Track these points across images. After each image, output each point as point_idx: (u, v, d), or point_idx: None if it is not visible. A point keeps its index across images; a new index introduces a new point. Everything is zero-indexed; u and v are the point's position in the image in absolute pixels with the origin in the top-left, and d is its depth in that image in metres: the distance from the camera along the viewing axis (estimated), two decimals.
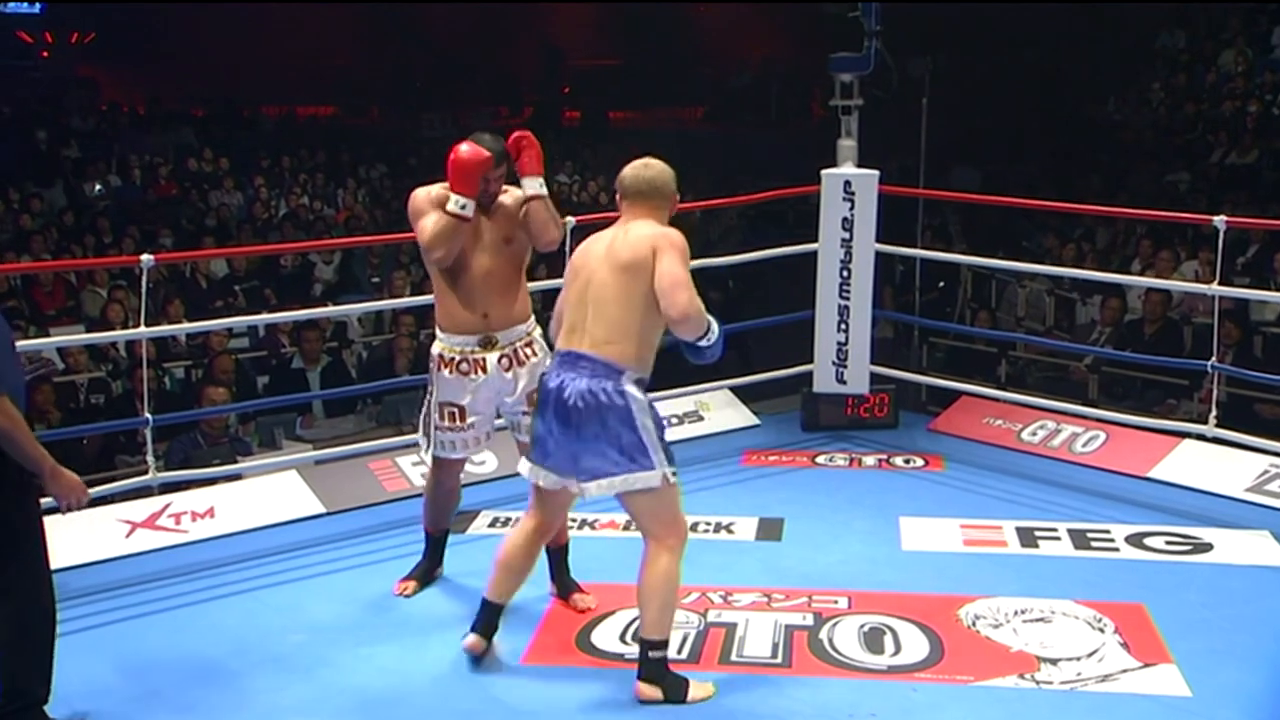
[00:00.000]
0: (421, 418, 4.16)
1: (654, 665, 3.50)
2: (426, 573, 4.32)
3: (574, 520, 4.88)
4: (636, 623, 3.60)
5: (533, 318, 4.11)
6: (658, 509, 3.50)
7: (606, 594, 4.17)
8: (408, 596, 4.23)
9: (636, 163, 3.64)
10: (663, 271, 3.43)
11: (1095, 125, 14.17)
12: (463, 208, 3.85)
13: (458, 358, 4.00)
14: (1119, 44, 15.24)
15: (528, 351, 4.05)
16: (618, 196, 3.62)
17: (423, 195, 4.00)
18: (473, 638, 3.69)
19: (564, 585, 4.18)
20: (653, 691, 3.49)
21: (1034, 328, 9.27)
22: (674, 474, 3.49)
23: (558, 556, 4.18)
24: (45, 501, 3.32)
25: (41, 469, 3.22)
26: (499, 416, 4.15)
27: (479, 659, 3.70)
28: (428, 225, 3.92)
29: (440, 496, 4.24)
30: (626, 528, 4.82)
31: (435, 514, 4.29)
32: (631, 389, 3.46)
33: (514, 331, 4.04)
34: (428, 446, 4.12)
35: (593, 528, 4.86)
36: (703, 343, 3.51)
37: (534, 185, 3.99)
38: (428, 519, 4.32)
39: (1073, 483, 5.42)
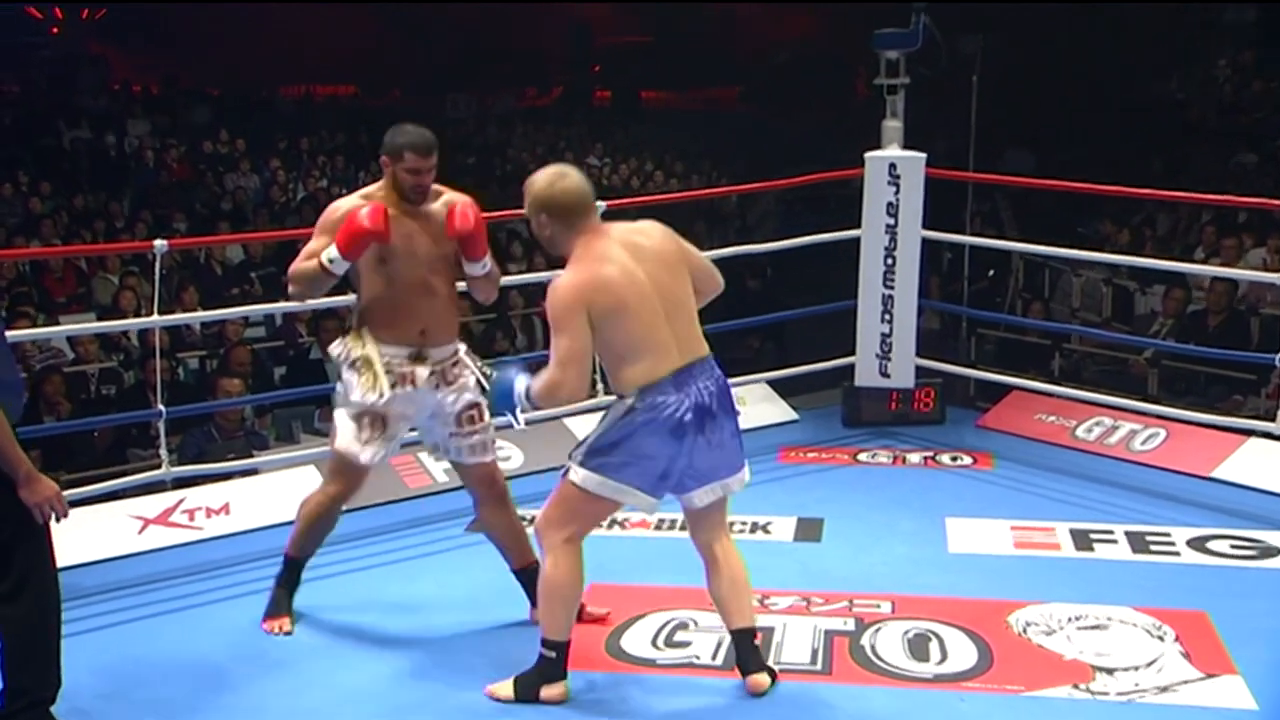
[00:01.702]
0: (339, 423, 3.94)
1: (760, 653, 3.63)
2: (291, 603, 4.11)
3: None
4: (730, 618, 3.60)
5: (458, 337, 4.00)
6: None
7: (637, 596, 4.17)
8: (289, 634, 4.02)
9: (555, 173, 3.43)
10: (693, 252, 3.54)
11: (1157, 104, 14.04)
12: (332, 263, 3.72)
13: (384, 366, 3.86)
14: (1183, 18, 15.08)
15: (455, 372, 3.93)
16: (546, 220, 3.38)
17: (327, 212, 3.86)
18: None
19: None
20: (766, 681, 3.58)
21: (1090, 319, 9.21)
22: None
23: (532, 576, 4.02)
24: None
25: (16, 473, 3.14)
26: (413, 430, 4.04)
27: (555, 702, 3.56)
28: (304, 252, 3.81)
29: (326, 518, 4.04)
30: (658, 527, 4.83)
31: (309, 539, 4.06)
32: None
33: (444, 350, 3.92)
34: (360, 453, 3.91)
35: (623, 527, 4.86)
36: None
37: (478, 269, 3.86)
38: (297, 543, 4.07)
39: (1131, 483, 5.38)
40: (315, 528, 4.06)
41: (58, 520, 3.25)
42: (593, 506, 3.47)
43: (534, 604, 3.98)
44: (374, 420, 3.87)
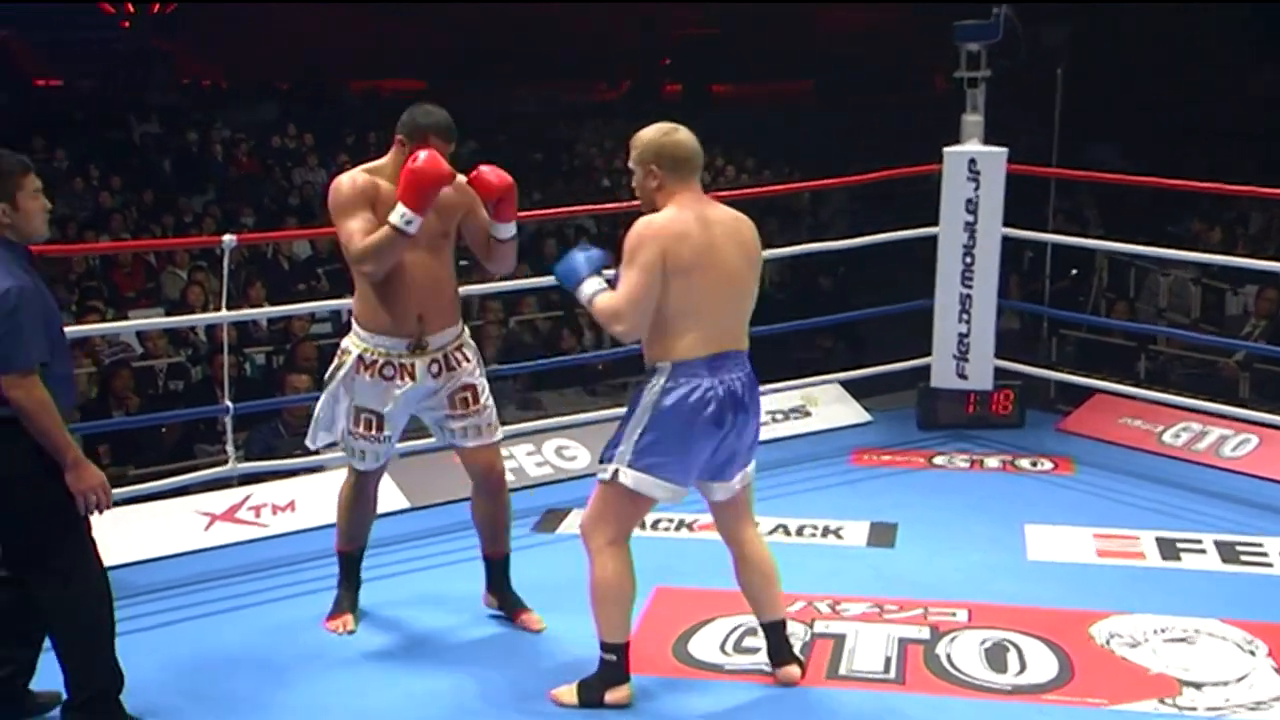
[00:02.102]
0: (319, 410, 3.94)
1: (790, 644, 3.66)
2: (355, 600, 4.13)
3: (671, 520, 4.90)
4: (762, 608, 3.64)
5: (461, 319, 3.95)
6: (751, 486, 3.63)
7: (706, 600, 4.16)
8: (351, 633, 4.04)
9: (666, 126, 3.41)
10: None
11: (1250, 97, 13.75)
12: (409, 223, 3.56)
13: (381, 361, 3.79)
14: (1277, 5, 14.74)
15: (458, 356, 3.87)
16: (654, 170, 3.37)
17: (347, 185, 3.72)
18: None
19: (509, 601, 4.10)
20: (797, 672, 3.64)
21: (1177, 320, 9.05)
22: None
23: (501, 567, 4.10)
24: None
25: (64, 458, 3.21)
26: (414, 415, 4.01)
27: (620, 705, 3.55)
28: (356, 231, 3.65)
29: (360, 508, 4.05)
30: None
31: (352, 528, 4.08)
32: None
33: (446, 334, 3.85)
34: (346, 455, 3.96)
35: (691, 529, 4.85)
36: None
37: (506, 231, 3.80)
38: (343, 536, 4.10)
39: (1221, 491, 5.28)
40: (350, 516, 4.07)
41: (99, 512, 3.30)
42: (637, 506, 3.48)
43: (490, 589, 4.11)
44: (370, 420, 3.85)
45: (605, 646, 3.52)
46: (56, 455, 3.22)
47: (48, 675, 3.51)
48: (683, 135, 3.41)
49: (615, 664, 3.51)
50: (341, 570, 4.15)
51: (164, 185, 13.10)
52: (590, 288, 3.40)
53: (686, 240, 3.32)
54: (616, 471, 3.40)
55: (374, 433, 3.86)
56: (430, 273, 3.78)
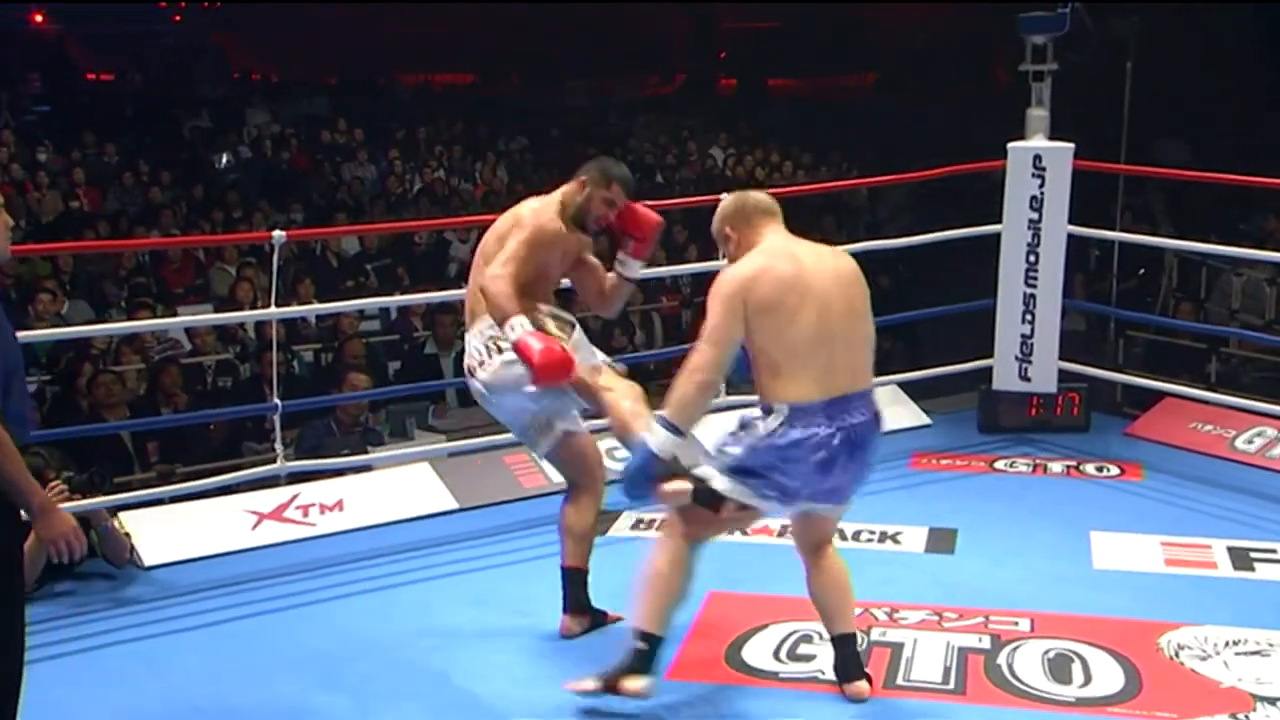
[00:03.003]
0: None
1: (860, 660, 3.63)
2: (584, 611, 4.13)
3: (634, 520, 4.90)
4: (833, 623, 3.60)
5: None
6: None
7: (761, 606, 4.15)
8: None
9: (741, 194, 3.66)
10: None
11: None
12: (635, 271, 4.12)
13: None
14: None
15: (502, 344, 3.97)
16: (729, 231, 3.55)
17: (553, 228, 3.97)
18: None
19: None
20: (866, 688, 3.58)
21: (1251, 321, 8.91)
22: None
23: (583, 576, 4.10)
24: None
25: (29, 504, 2.92)
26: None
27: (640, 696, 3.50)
28: (508, 259, 3.87)
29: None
30: (780, 534, 4.80)
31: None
32: None
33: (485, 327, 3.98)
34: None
35: (745, 534, 4.84)
36: None
37: (636, 268, 4.13)
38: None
39: None
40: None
41: (71, 559, 3.03)
42: (732, 516, 3.50)
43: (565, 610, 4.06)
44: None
45: (638, 634, 3.50)
46: (20, 501, 2.91)
47: None
48: (749, 194, 3.63)
49: (643, 654, 3.48)
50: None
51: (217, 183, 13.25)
52: (654, 437, 3.43)
53: (766, 278, 3.37)
54: (706, 476, 3.41)
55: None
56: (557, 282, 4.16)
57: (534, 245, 3.93)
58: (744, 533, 4.81)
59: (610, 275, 4.17)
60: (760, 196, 3.60)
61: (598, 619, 4.07)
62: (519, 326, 3.74)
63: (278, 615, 4.31)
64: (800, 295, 3.36)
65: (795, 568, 4.40)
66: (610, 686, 3.50)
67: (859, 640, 3.67)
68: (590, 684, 3.54)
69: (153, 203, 12.11)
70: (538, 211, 4.00)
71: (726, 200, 3.63)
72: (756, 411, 3.45)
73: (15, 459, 2.90)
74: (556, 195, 4.05)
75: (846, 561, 3.65)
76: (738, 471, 3.40)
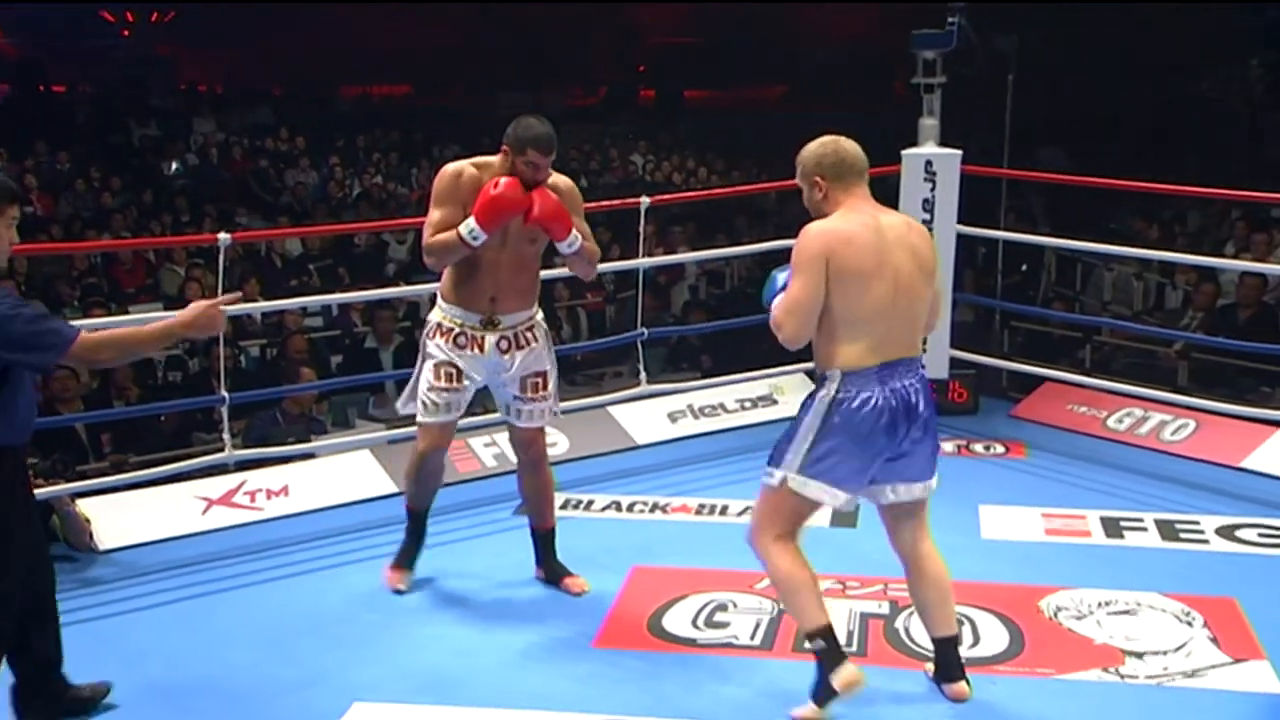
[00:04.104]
0: (409, 386, 4.07)
1: (960, 663, 3.43)
2: (414, 557, 4.21)
3: (645, 503, 4.90)
4: (933, 623, 3.44)
5: (537, 304, 4.05)
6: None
7: (678, 578, 4.17)
8: (402, 591, 4.12)
9: (829, 139, 3.28)
10: (939, 286, 3.31)
11: (1189, 102, 13.83)
12: (474, 237, 3.77)
13: (455, 329, 3.95)
14: (1214, 17, 14.84)
15: (528, 335, 3.98)
16: (819, 181, 3.24)
17: (450, 176, 3.89)
18: (851, 669, 3.27)
19: (554, 570, 4.18)
20: (965, 690, 3.39)
21: (1121, 312, 9.09)
22: None
23: (545, 539, 4.20)
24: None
25: (171, 333, 3.22)
26: (482, 390, 4.12)
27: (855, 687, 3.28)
28: (433, 223, 3.83)
29: (429, 470, 4.11)
30: (699, 512, 4.82)
31: (420, 490, 4.16)
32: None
33: (517, 316, 3.97)
34: (420, 411, 4.01)
35: (664, 511, 4.86)
36: None
37: (564, 248, 3.90)
38: (412, 496, 4.19)
39: (1161, 472, 5.32)
40: (416, 481, 4.15)
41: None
42: (805, 507, 3.28)
43: (539, 563, 4.16)
44: (450, 373, 3.94)
45: (809, 636, 3.27)
46: (165, 341, 3.25)
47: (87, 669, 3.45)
48: (845, 144, 3.26)
49: (826, 648, 3.25)
50: (410, 524, 4.22)
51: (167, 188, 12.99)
52: (778, 301, 3.22)
53: (853, 244, 3.13)
54: (785, 478, 3.22)
55: (454, 384, 3.95)
56: (510, 265, 3.92)
57: (432, 195, 3.88)
58: (663, 511, 4.83)
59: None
60: (858, 153, 3.25)
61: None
62: None
63: (229, 594, 4.25)
64: (880, 265, 3.13)
65: (713, 543, 4.45)
66: (825, 699, 3.25)
67: (959, 642, 3.44)
68: (812, 713, 3.26)
69: (104, 207, 11.87)
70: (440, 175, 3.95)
71: (822, 146, 3.26)
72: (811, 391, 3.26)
73: (122, 340, 3.16)
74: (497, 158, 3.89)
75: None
76: (816, 461, 3.18)
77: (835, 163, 3.23)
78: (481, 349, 3.95)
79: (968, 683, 3.43)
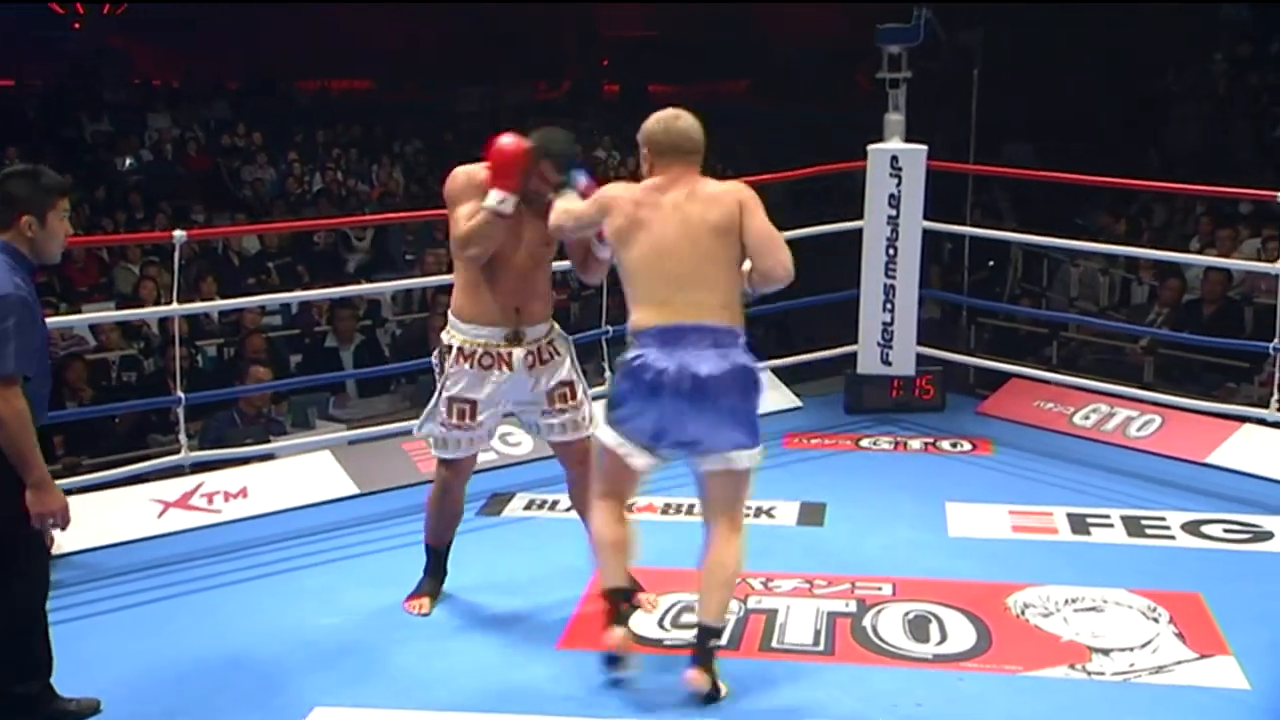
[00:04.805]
0: (427, 410, 3.92)
1: (710, 654, 3.43)
2: (436, 588, 4.10)
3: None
4: (697, 606, 3.50)
5: (551, 316, 3.98)
6: (746, 488, 3.49)
7: (645, 578, 4.16)
8: (425, 615, 4.01)
9: (666, 114, 3.51)
10: (760, 228, 3.41)
11: (1153, 97, 13.97)
12: (501, 203, 3.65)
13: (480, 351, 3.80)
14: (1178, 13, 14.99)
15: (550, 350, 3.90)
16: (646, 153, 3.49)
17: (463, 176, 3.79)
18: (618, 632, 3.45)
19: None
20: (704, 680, 3.40)
21: (1087, 308, 9.18)
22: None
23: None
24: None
25: (29, 474, 3.09)
26: (508, 415, 4.00)
27: (626, 659, 3.49)
28: (463, 216, 3.72)
29: (448, 505, 4.00)
30: (665, 511, 4.83)
31: (440, 525, 4.05)
32: (753, 360, 3.42)
33: (539, 329, 3.88)
34: (432, 445, 3.95)
35: (630, 510, 4.85)
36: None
37: (605, 251, 3.71)
38: (430, 531, 4.07)
39: (1127, 468, 5.37)
40: (438, 514, 4.03)
41: (57, 530, 3.17)
42: (614, 462, 3.46)
43: None
44: (463, 410, 3.82)
45: (600, 593, 3.50)
46: (22, 470, 3.08)
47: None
48: (676, 125, 3.47)
49: (609, 608, 3.47)
50: (429, 560, 4.10)
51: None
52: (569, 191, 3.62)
53: (620, 208, 3.43)
54: (596, 426, 3.45)
55: (467, 421, 3.83)
56: (531, 272, 3.83)
57: (449, 198, 3.79)
58: (629, 510, 4.83)
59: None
60: (685, 134, 3.47)
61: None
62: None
63: (185, 599, 4.21)
64: (641, 230, 3.38)
65: (678, 543, 4.44)
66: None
67: (714, 635, 3.44)
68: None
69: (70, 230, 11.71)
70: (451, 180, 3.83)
71: (657, 122, 3.49)
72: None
73: (30, 431, 3.08)
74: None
75: (739, 560, 3.48)
76: (611, 407, 3.42)
77: (657, 140, 3.48)
78: (510, 366, 3.81)
79: (708, 673, 3.39)
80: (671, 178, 3.46)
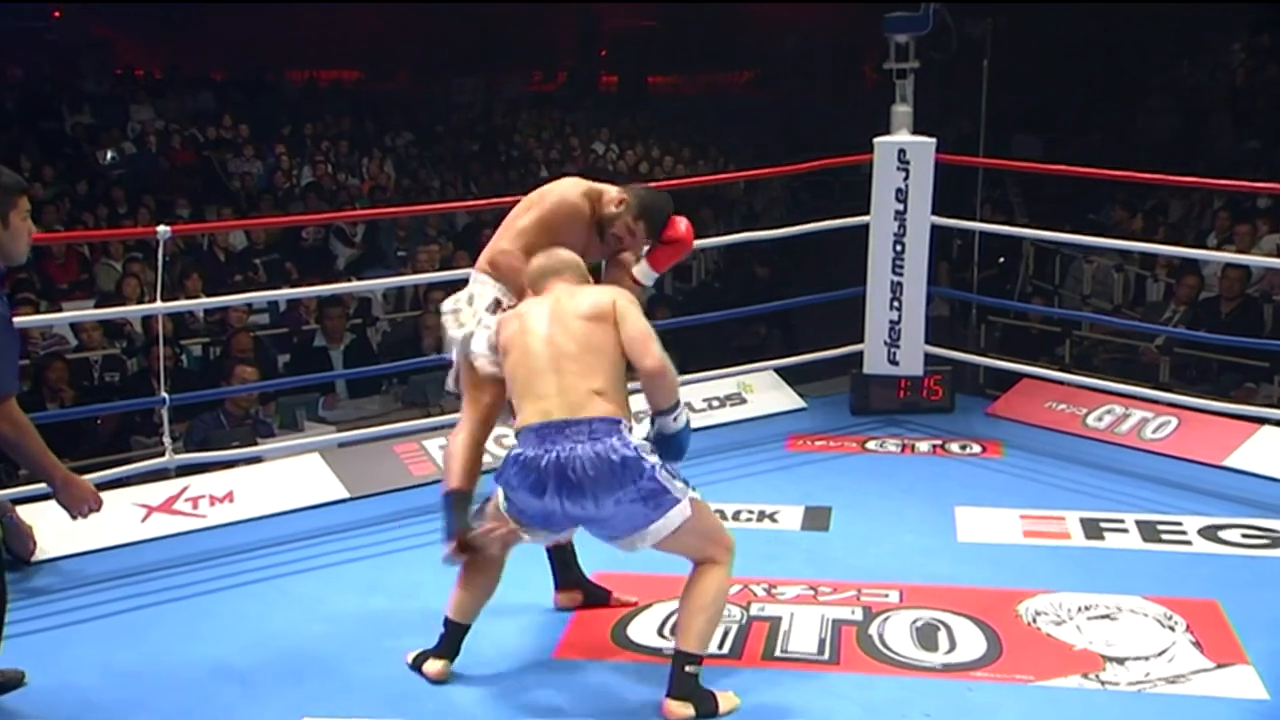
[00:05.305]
0: (466, 336, 3.89)
1: (688, 680, 3.39)
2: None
3: None
4: (674, 623, 3.52)
5: None
6: (699, 530, 3.42)
7: (643, 585, 4.17)
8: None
9: (548, 255, 3.69)
10: (631, 322, 3.46)
11: (1169, 89, 13.97)
12: (646, 276, 3.92)
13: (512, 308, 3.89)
14: (1194, 2, 14.99)
15: None
16: (529, 289, 3.67)
17: (576, 200, 3.85)
18: (441, 664, 3.63)
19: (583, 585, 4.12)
20: (684, 710, 3.37)
21: (1101, 306, 9.18)
22: (695, 490, 3.43)
23: (569, 551, 4.07)
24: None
25: (53, 478, 3.25)
26: None
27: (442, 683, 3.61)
28: (516, 231, 3.85)
29: (475, 451, 3.92)
30: None
31: (470, 467, 3.94)
32: (631, 437, 3.37)
33: None
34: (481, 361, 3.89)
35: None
36: (676, 423, 3.45)
37: (650, 278, 3.95)
38: (454, 476, 3.94)
39: (1142, 471, 5.37)
40: (466, 459, 3.90)
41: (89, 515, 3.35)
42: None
43: (556, 587, 4.11)
44: (494, 343, 3.82)
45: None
46: (44, 476, 3.25)
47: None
48: (552, 258, 3.66)
49: (445, 639, 3.66)
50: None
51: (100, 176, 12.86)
52: None
53: (504, 329, 3.60)
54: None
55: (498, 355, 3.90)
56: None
57: (549, 220, 3.84)
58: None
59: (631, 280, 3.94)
60: (543, 263, 3.65)
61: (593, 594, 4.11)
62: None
63: (168, 606, 4.21)
64: (520, 339, 3.50)
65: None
66: (416, 666, 3.66)
67: (689, 661, 3.39)
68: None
69: (36, 199, 11.69)
70: (565, 190, 3.88)
71: (540, 258, 3.68)
72: None
73: (37, 440, 3.21)
74: (597, 186, 3.91)
75: (718, 588, 3.41)
76: (501, 486, 3.48)
77: (538, 273, 3.66)
78: None
79: (687, 702, 3.37)
80: (546, 291, 3.61)
